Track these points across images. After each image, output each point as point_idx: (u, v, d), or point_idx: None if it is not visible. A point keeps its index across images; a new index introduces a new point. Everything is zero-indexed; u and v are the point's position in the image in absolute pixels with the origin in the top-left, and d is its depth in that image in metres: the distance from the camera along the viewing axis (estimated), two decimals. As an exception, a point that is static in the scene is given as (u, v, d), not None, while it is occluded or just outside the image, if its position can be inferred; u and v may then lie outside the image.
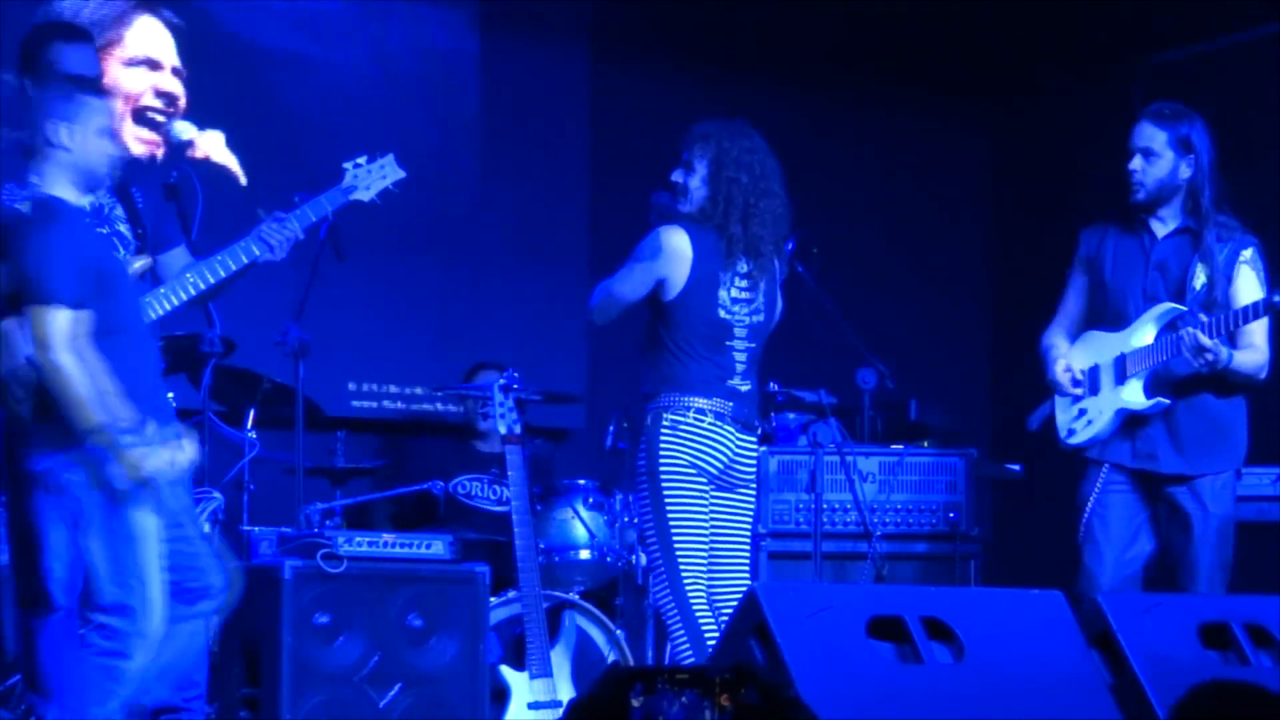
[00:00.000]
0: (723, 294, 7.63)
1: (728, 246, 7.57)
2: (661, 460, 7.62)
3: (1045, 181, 9.93)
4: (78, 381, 6.16)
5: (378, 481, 9.30)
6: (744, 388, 7.72)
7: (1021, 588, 8.12)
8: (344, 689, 7.64)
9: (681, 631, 7.61)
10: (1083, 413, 8.01)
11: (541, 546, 8.37)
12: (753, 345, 7.71)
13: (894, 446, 9.39)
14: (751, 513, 7.83)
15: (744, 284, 7.66)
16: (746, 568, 7.77)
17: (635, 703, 3.33)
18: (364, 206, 7.50)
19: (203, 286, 7.07)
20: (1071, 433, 8.03)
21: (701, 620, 7.61)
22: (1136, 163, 7.89)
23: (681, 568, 7.59)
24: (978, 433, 9.38)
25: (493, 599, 8.14)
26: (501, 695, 8.15)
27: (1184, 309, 7.87)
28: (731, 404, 7.68)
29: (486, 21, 11.02)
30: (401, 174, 7.66)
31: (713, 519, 7.68)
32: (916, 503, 9.18)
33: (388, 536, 8.01)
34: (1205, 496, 7.91)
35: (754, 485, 7.82)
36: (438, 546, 8.01)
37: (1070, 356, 8.03)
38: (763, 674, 3.31)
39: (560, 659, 8.30)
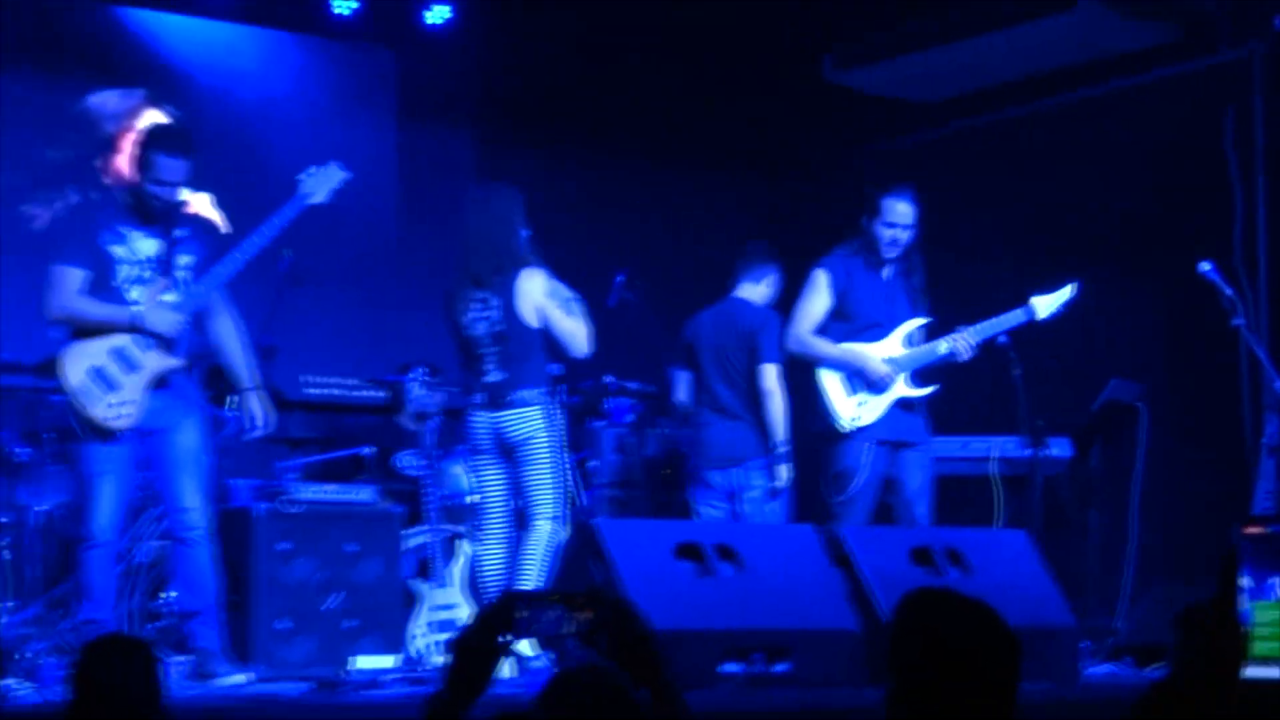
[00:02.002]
0: (461, 319, 7.53)
1: (456, 283, 7.53)
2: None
3: (801, 236, 9.89)
4: None
5: (324, 446, 9.23)
6: (495, 378, 7.48)
7: (783, 524, 8.36)
8: (299, 596, 7.76)
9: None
10: (862, 404, 8.10)
11: (442, 493, 8.30)
12: (499, 348, 7.47)
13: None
14: (536, 468, 7.42)
15: (478, 305, 7.49)
16: (545, 510, 7.41)
17: (523, 614, 3.38)
18: (318, 247, 7.59)
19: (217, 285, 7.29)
20: (855, 419, 8.10)
21: (488, 568, 7.57)
22: (903, 234, 8.16)
23: (480, 524, 7.64)
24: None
25: (406, 531, 8.18)
26: (413, 600, 8.16)
27: (927, 320, 8.20)
28: (484, 394, 7.50)
29: (402, 119, 11.09)
30: (347, 175, 7.57)
31: (515, 482, 7.51)
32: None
33: (330, 487, 8.15)
34: (925, 461, 8.25)
35: (529, 447, 7.42)
36: (366, 494, 8.16)
37: (872, 355, 8.11)
38: (612, 595, 3.58)
39: (456, 575, 8.21)
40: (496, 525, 7.58)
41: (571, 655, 6.09)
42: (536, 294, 7.49)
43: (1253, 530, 2.69)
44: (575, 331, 7.56)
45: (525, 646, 7.05)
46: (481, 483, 7.63)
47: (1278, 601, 2.64)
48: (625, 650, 3.39)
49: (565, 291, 7.59)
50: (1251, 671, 2.59)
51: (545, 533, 7.41)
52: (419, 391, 7.87)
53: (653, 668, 3.38)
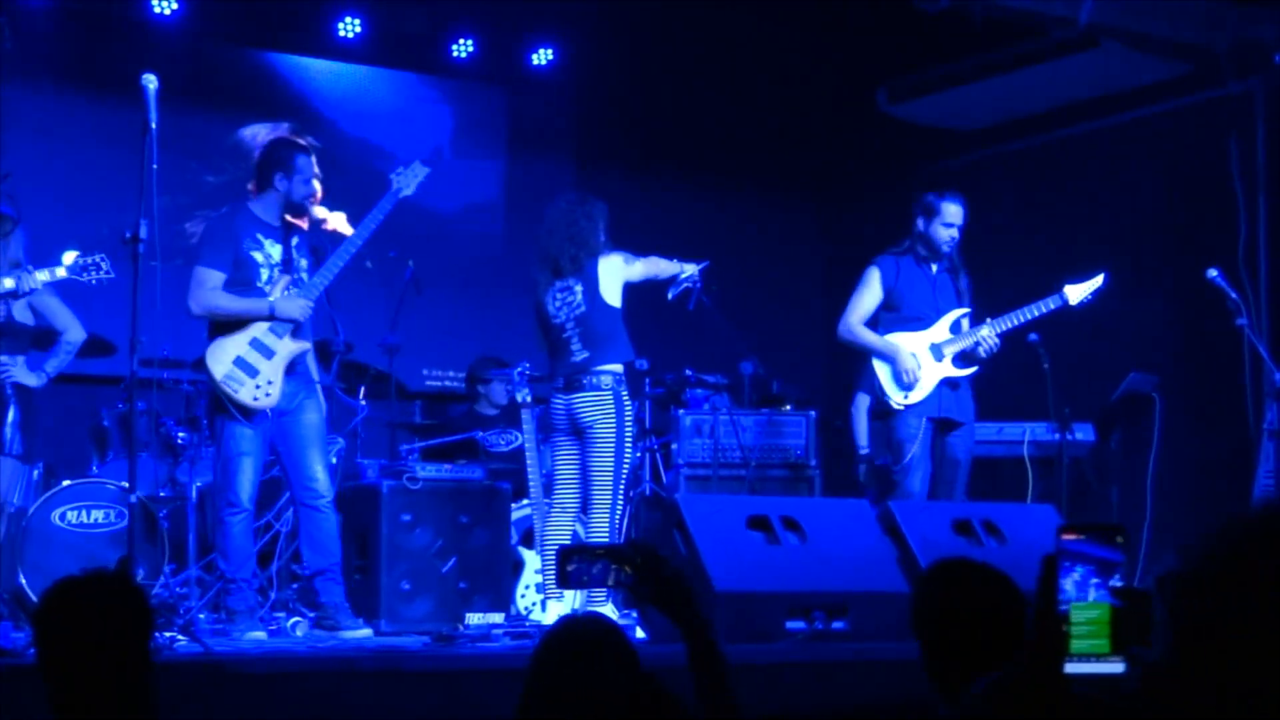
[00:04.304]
0: (547, 308, 7.25)
1: (540, 278, 7.26)
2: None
3: (857, 249, 9.81)
4: None
5: (430, 432, 9.09)
6: (578, 357, 7.13)
7: (841, 498, 8.42)
8: (420, 561, 7.69)
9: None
10: (911, 385, 7.82)
11: (543, 471, 7.88)
12: (581, 329, 7.14)
13: (763, 409, 9.32)
14: (600, 450, 7.07)
15: (561, 293, 7.22)
16: (605, 491, 7.07)
17: (570, 567, 3.27)
18: (436, 260, 7.38)
19: (336, 272, 7.23)
20: (903, 400, 7.84)
21: (551, 532, 7.25)
22: (955, 233, 7.92)
23: (552, 500, 7.31)
24: (816, 400, 9.58)
25: (512, 505, 8.09)
26: (517, 567, 8.15)
27: (969, 309, 7.93)
28: (563, 379, 7.19)
29: (509, 148, 11.09)
30: (428, 170, 7.42)
31: (580, 460, 7.17)
32: (777, 444, 9.11)
33: (446, 466, 8.07)
34: (969, 436, 7.99)
35: (595, 432, 7.09)
36: (477, 472, 8.08)
37: (904, 350, 7.84)
38: (651, 548, 3.40)
39: (554, 542, 8.07)
40: (566, 501, 7.28)
41: (652, 616, 5.99)
42: (616, 271, 7.18)
43: (1070, 536, 2.61)
44: (655, 268, 7.32)
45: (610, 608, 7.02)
46: (556, 460, 7.31)
47: (1093, 603, 2.60)
48: (667, 596, 3.24)
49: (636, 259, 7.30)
50: (1070, 667, 2.50)
51: (604, 513, 7.10)
52: (524, 383, 7.64)
53: (688, 609, 3.23)
